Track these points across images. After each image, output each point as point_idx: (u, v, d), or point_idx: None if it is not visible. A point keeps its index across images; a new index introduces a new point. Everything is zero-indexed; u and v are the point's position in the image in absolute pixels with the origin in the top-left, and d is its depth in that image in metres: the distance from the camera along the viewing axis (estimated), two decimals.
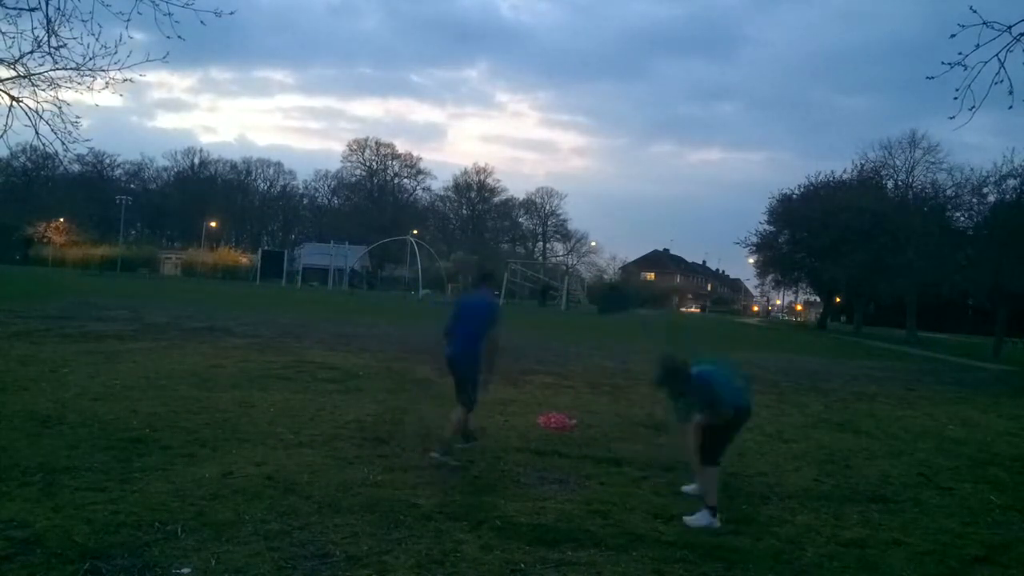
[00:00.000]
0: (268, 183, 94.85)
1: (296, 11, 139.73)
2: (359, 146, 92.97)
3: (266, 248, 78.99)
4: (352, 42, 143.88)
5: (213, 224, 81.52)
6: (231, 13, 6.78)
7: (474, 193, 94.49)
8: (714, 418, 5.12)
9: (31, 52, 7.19)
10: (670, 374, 5.12)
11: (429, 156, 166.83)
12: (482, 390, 6.39)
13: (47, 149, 8.09)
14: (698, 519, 4.98)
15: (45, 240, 72.98)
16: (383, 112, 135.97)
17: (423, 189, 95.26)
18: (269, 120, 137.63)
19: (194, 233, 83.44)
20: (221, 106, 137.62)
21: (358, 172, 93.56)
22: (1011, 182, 31.38)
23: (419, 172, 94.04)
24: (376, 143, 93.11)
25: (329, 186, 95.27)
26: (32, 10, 6.76)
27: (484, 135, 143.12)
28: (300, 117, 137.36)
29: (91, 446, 5.74)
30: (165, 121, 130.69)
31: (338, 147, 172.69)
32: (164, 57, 7.12)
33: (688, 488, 5.61)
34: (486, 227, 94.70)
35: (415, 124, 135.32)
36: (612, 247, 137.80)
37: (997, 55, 5.10)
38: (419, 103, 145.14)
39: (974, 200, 35.09)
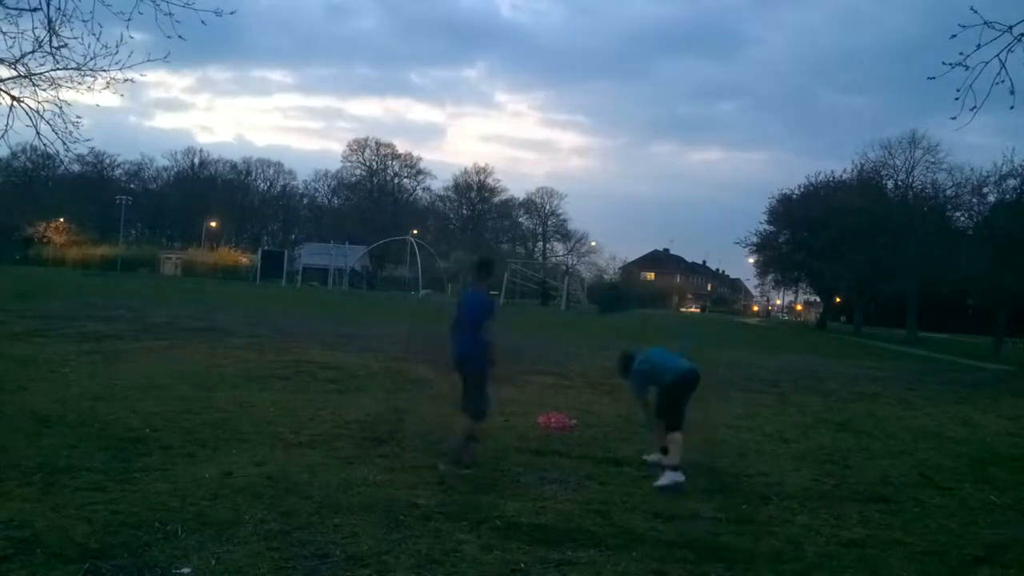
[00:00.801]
0: (268, 183, 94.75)
1: (294, 10, 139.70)
2: (359, 146, 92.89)
3: (266, 248, 78.79)
4: (350, 41, 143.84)
5: (213, 224, 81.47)
6: (231, 13, 6.78)
7: (474, 193, 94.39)
8: (660, 388, 6.17)
9: (32, 52, 7.20)
10: (623, 365, 6.57)
11: (429, 156, 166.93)
12: (491, 387, 6.27)
13: (48, 149, 8.09)
14: (664, 479, 5.66)
15: (45, 240, 72.90)
16: (382, 112, 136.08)
17: (423, 189, 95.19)
18: (267, 120, 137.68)
19: (194, 233, 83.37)
20: (219, 105, 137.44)
21: (358, 172, 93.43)
22: (1011, 182, 31.51)
23: (419, 172, 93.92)
24: (376, 143, 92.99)
25: (329, 186, 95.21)
26: (33, 10, 6.77)
27: (483, 135, 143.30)
28: (299, 117, 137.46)
29: (91, 446, 5.74)
30: (163, 121, 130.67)
31: (337, 147, 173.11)
32: (165, 57, 7.14)
33: (649, 457, 6.34)
34: (486, 227, 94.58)
35: (414, 124, 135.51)
36: (612, 247, 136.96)
37: (998, 55, 5.09)
38: (418, 103, 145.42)
39: (974, 200, 35.19)
